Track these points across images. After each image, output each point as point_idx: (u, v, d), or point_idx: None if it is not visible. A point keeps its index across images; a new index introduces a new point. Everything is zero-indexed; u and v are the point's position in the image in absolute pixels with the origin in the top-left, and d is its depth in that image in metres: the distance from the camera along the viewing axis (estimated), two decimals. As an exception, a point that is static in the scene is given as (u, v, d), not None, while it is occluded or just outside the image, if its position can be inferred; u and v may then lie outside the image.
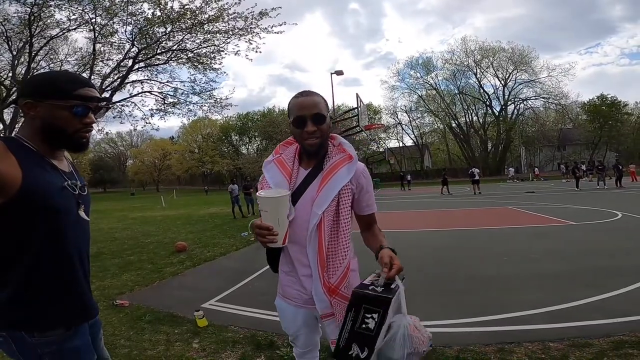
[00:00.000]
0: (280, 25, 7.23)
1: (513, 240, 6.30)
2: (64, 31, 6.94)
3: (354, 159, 1.24)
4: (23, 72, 6.87)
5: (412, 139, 50.72)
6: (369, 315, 1.01)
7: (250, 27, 7.05)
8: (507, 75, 43.66)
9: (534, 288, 3.65)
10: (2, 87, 6.73)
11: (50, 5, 6.24)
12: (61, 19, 6.74)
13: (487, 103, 45.62)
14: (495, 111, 45.56)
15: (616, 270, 4.01)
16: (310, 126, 1.18)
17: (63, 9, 6.34)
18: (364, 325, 1.01)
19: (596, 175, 18.42)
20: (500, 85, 44.36)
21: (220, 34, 7.16)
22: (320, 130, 1.20)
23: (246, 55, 7.53)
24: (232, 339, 2.81)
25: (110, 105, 7.83)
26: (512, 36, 73.04)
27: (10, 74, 6.95)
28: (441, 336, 2.67)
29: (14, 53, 6.84)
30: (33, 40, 6.61)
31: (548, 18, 72.59)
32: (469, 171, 19.42)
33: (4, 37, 6.62)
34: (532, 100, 43.09)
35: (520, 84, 43.33)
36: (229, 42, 7.28)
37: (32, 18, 6.30)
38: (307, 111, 1.18)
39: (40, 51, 7.16)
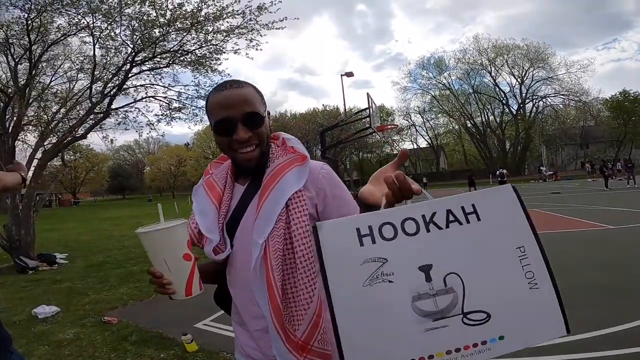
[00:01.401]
0: (281, 20, 6.93)
1: (545, 247, 5.71)
2: (64, 36, 6.86)
3: (306, 159, 0.87)
4: (25, 79, 6.82)
5: (426, 140, 49.85)
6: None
7: (249, 24, 6.79)
8: (524, 73, 42.30)
9: (583, 305, 3.10)
10: (2, 94, 6.67)
11: (48, 10, 6.15)
12: (61, 24, 6.70)
13: (504, 102, 44.29)
14: (513, 110, 44.16)
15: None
16: (242, 132, 0.82)
17: (61, 13, 6.26)
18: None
19: (625, 174, 17.57)
20: (517, 83, 43.03)
21: (219, 33, 6.92)
22: (257, 135, 0.84)
23: (246, 54, 7.26)
24: None
25: (114, 112, 7.71)
26: (526, 33, 70.82)
27: (11, 82, 6.90)
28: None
29: (16, 60, 6.80)
30: (33, 46, 6.55)
31: (561, 13, 70.46)
32: (497, 172, 19.87)
33: (5, 44, 6.58)
34: (552, 98, 41.58)
35: (537, 81, 41.93)
36: (227, 41, 7.04)
37: (32, 23, 6.24)
38: (235, 111, 0.81)
39: (42, 57, 7.09)
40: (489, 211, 0.58)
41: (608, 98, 38.81)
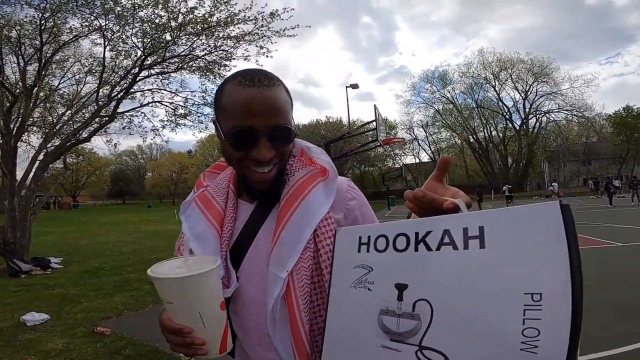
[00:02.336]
0: (293, 28, 6.94)
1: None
2: (76, 38, 6.87)
3: (329, 172, 0.70)
4: (33, 79, 6.78)
5: (428, 154, 49.83)
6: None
7: (261, 30, 6.79)
8: (527, 88, 42.56)
9: (592, 324, 2.96)
10: (9, 94, 6.62)
11: (62, 11, 6.17)
12: (74, 24, 6.71)
13: (507, 116, 44.49)
14: (516, 125, 44.27)
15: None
16: (264, 150, 0.63)
17: (75, 14, 6.28)
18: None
19: (630, 191, 17.48)
20: (521, 98, 43.27)
21: (229, 39, 6.91)
22: (280, 154, 0.66)
23: (256, 61, 7.25)
24: None
25: (120, 116, 7.65)
26: (530, 47, 72.15)
27: (18, 81, 6.87)
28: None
29: (26, 59, 6.78)
30: (44, 47, 6.54)
31: (564, 27, 71.61)
32: (504, 187, 20.11)
33: (16, 43, 6.57)
34: (555, 113, 41.72)
35: (541, 96, 42.15)
36: (237, 47, 7.03)
37: (45, 24, 6.24)
38: (261, 120, 0.62)
39: (52, 58, 7.07)
40: (502, 237, 0.45)
41: (611, 114, 39.00)
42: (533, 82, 41.96)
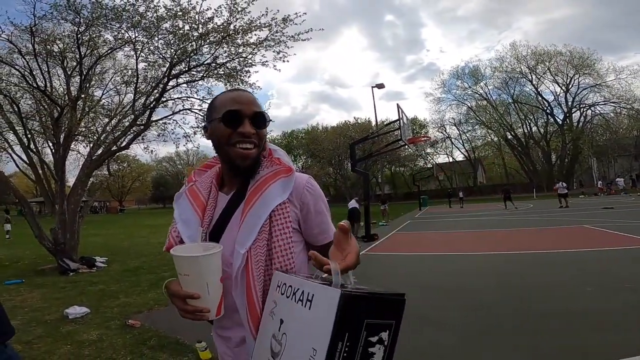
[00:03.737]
0: (307, 32, 7.03)
1: (597, 265, 5.15)
2: (111, 50, 7.42)
3: (292, 171, 0.88)
4: (77, 91, 7.44)
5: (462, 153, 47.95)
6: (374, 340, 0.58)
7: (276, 36, 6.95)
8: (568, 81, 39.61)
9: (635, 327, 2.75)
10: (57, 106, 7.29)
11: (95, 25, 6.68)
12: (108, 38, 7.26)
13: (548, 111, 41.66)
14: (559, 120, 41.37)
15: None
16: (247, 126, 0.84)
17: (107, 27, 6.78)
18: None
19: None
20: (562, 91, 40.38)
21: (248, 46, 7.15)
22: (258, 135, 0.86)
23: (274, 66, 7.43)
24: None
25: (154, 123, 8.16)
26: (568, 38, 66.43)
27: (65, 94, 7.53)
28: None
29: (69, 72, 7.42)
30: (83, 60, 7.12)
31: (605, 16, 65.08)
32: (557, 184, 18.09)
33: (59, 57, 7.20)
34: (601, 106, 38.47)
35: (584, 89, 39.05)
36: (256, 54, 7.24)
37: (81, 37, 6.80)
38: (245, 107, 0.85)
39: (91, 70, 7.70)
40: (317, 306, 0.62)
41: None
42: (574, 75, 39.02)
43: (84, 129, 8.26)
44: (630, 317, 3.03)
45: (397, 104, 11.91)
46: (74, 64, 7.27)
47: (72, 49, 7.07)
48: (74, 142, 8.11)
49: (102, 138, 7.76)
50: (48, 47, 6.85)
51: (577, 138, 37.60)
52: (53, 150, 7.63)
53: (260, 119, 0.85)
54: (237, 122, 0.83)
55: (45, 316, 3.85)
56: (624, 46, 68.24)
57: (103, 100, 8.85)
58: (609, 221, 10.06)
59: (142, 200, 69.20)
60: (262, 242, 0.81)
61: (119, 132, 7.60)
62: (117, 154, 8.51)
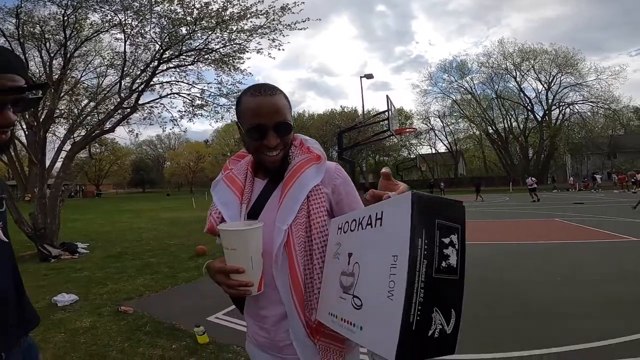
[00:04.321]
0: (304, 21, 6.98)
1: (567, 257, 5.51)
2: (97, 33, 7.12)
3: (322, 158, 0.96)
4: (59, 73, 7.11)
5: (445, 145, 48.93)
6: (446, 241, 0.58)
7: (272, 24, 6.86)
8: (551, 79, 40.82)
9: (603, 315, 3.04)
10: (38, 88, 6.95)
11: (83, 7, 6.40)
12: (94, 20, 6.96)
13: (529, 108, 42.92)
14: (538, 116, 42.72)
15: None
16: (272, 139, 0.89)
17: (96, 10, 6.51)
18: (444, 264, 0.58)
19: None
20: (543, 89, 41.58)
21: (243, 32, 7.02)
22: (284, 142, 0.92)
23: (269, 54, 7.36)
24: None
25: (141, 107, 7.93)
26: (555, 37, 68.26)
27: (42, 75, 7.20)
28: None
29: (51, 55, 7.09)
30: (68, 42, 6.82)
31: (593, 17, 67.37)
32: (527, 180, 19.30)
33: (42, 39, 6.86)
34: (579, 105, 39.95)
35: (565, 88, 40.35)
36: (250, 41, 7.14)
37: (67, 20, 6.49)
38: (267, 119, 0.88)
39: (76, 53, 7.37)
40: (389, 218, 0.63)
41: (639, 106, 37.08)
42: (557, 73, 40.22)
43: (65, 111, 7.95)
44: (598, 307, 3.30)
45: (387, 96, 12.05)
46: (57, 46, 6.94)
47: (57, 31, 6.74)
48: (53, 125, 7.81)
49: (84, 121, 7.50)
50: (31, 29, 6.51)
51: (554, 135, 39.03)
52: (27, 132, 7.32)
53: (284, 128, 0.90)
54: (261, 136, 0.89)
55: (33, 304, 3.78)
56: (608, 47, 70.67)
57: (86, 83, 8.52)
58: (578, 216, 10.67)
59: (120, 184, 67.14)
60: (302, 220, 0.88)
61: (104, 115, 7.37)
62: (101, 136, 8.26)
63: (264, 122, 0.88)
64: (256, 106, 0.88)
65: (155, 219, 14.16)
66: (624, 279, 4.16)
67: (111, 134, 8.01)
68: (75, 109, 7.94)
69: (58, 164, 7.42)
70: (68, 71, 7.31)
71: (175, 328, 3.05)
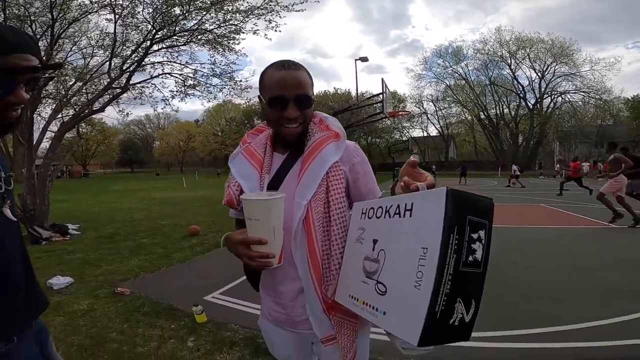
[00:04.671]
0: (302, 2, 6.80)
1: (550, 242, 5.73)
2: (86, 13, 6.82)
3: (341, 136, 0.97)
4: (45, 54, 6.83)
5: (437, 129, 49.23)
6: (475, 236, 0.60)
7: (270, 5, 6.67)
8: (545, 68, 40.93)
9: (580, 300, 3.21)
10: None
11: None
12: (83, 1, 6.65)
13: (521, 95, 43.14)
14: (530, 104, 43.07)
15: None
16: (292, 111, 0.90)
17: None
18: (470, 258, 0.61)
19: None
20: (537, 77, 41.74)
21: (239, 13, 6.82)
22: (304, 115, 0.94)
23: (265, 35, 7.20)
24: (230, 339, 2.59)
25: (131, 87, 7.73)
26: (552, 27, 67.77)
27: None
28: (471, 352, 2.35)
29: (38, 36, 6.77)
30: (55, 23, 6.53)
31: (592, 9, 66.91)
32: (513, 167, 20.13)
33: (28, 21, 6.54)
34: (572, 94, 40.37)
35: (559, 77, 40.59)
36: (247, 22, 6.95)
37: (55, 1, 6.19)
38: (289, 91, 0.90)
39: (63, 34, 7.07)
40: (420, 210, 0.65)
41: (630, 98, 37.61)
42: (552, 63, 40.36)
43: (53, 91, 7.70)
44: (575, 291, 3.45)
45: (382, 79, 12.00)
46: (43, 28, 6.63)
47: (43, 13, 6.43)
48: (41, 105, 7.57)
49: (67, 99, 7.28)
50: (16, 11, 6.18)
51: (544, 122, 39.58)
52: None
53: (304, 101, 0.91)
54: (282, 107, 0.90)
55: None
56: (605, 39, 70.65)
57: (74, 63, 8.22)
58: (563, 202, 11.00)
59: (107, 164, 65.89)
60: (321, 195, 0.90)
61: (94, 95, 7.17)
62: (90, 116, 8.06)
63: (285, 93, 0.89)
64: (279, 78, 0.90)
65: (146, 199, 14.06)
66: (603, 264, 4.38)
67: (100, 113, 7.84)
68: (63, 89, 7.68)
69: (44, 145, 7.26)
70: (55, 52, 7.01)
71: (173, 308, 3.12)
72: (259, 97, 0.98)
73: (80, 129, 11.99)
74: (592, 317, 2.81)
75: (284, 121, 0.92)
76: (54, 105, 7.53)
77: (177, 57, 7.89)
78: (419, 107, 47.47)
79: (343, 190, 0.92)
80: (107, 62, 7.32)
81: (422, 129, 50.12)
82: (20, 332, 0.89)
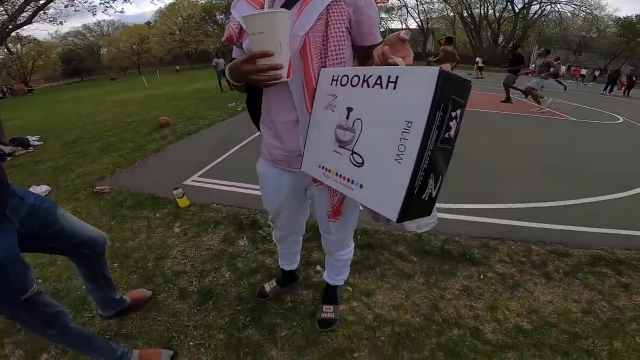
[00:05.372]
0: None
1: (509, 127, 6.05)
2: None
3: None
4: None
5: (417, 22, 46.81)
6: (454, 114, 0.62)
7: None
8: (540, -28, 37.19)
9: (527, 180, 3.52)
10: None
11: None
12: None
13: (509, -1, 40.23)
14: (517, 7, 40.70)
15: (613, 174, 3.80)
16: None
17: None
18: (446, 135, 0.62)
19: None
20: (530, -18, 38.23)
21: None
22: None
23: None
24: (214, 219, 2.70)
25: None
26: None
27: None
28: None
29: None
30: None
31: None
32: (477, 59, 22.03)
33: None
34: (563, 5, 38.28)
35: (553, -16, 37.36)
36: None
37: None
38: None
39: None
40: (407, 85, 0.63)
41: (622, 17, 36.30)
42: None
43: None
44: (524, 173, 3.73)
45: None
46: None
47: None
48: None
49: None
50: None
51: (527, 27, 38.20)
52: None
53: None
54: None
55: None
56: None
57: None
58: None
59: (52, 78, 59.01)
60: (319, 29, 0.89)
61: (14, 9, 5.87)
62: (15, 31, 6.76)
63: None
64: None
65: (104, 103, 12.97)
66: (552, 151, 4.66)
67: (28, 32, 6.60)
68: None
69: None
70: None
71: (155, 197, 3.14)
72: None
73: (10, 48, 10.21)
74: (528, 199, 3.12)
75: None
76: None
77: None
78: (399, 0, 43.89)
79: (344, 29, 0.91)
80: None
81: (401, 21, 47.53)
82: None
